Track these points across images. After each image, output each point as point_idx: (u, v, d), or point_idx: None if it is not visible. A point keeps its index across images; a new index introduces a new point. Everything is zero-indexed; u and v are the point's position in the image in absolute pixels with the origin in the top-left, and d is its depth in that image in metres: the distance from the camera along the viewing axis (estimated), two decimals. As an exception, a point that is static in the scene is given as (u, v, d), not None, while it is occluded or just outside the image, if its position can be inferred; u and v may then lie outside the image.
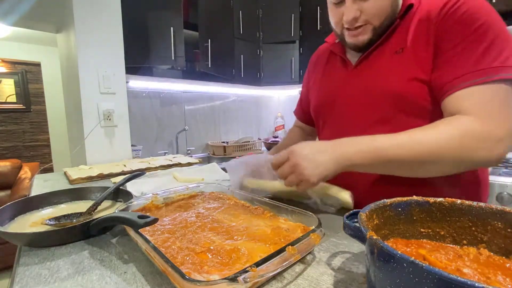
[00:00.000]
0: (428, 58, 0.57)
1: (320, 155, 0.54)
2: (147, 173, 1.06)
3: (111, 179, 1.06)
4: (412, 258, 0.24)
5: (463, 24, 0.52)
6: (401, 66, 0.60)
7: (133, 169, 1.16)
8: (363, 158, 0.53)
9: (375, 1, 0.59)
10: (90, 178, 1.04)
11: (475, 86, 0.50)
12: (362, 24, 0.62)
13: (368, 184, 0.68)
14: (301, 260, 0.43)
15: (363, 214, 0.34)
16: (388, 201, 0.38)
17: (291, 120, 1.48)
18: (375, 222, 0.36)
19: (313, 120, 0.88)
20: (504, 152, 0.49)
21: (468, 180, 0.63)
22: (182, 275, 0.31)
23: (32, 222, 0.58)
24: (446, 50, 0.54)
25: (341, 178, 0.68)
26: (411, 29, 0.60)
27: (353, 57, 0.72)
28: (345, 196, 0.60)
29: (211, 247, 0.41)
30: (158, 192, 0.64)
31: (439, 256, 0.35)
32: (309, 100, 0.88)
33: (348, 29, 0.64)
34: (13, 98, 3.83)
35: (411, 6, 0.62)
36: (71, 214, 0.60)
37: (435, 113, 0.59)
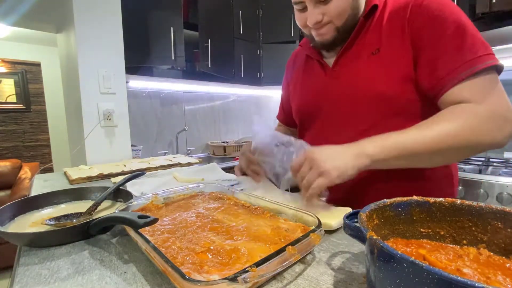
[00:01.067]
0: (407, 56, 0.58)
1: (338, 152, 0.54)
2: (147, 173, 1.06)
3: (111, 179, 1.06)
4: (412, 258, 0.24)
5: (437, 21, 0.55)
6: (381, 66, 0.62)
7: (133, 169, 1.16)
8: (382, 153, 0.53)
9: (335, 3, 0.61)
10: (90, 178, 1.04)
11: (468, 78, 0.52)
12: (325, 23, 0.64)
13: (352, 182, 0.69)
14: (301, 260, 0.43)
15: (363, 214, 0.34)
16: (388, 201, 0.38)
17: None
18: (375, 222, 0.36)
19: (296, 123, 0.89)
20: None
21: (441, 173, 0.66)
22: (182, 275, 0.31)
23: (32, 222, 0.58)
24: (427, 48, 0.56)
25: None
26: (383, 29, 0.62)
27: (329, 60, 0.73)
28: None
29: (211, 247, 0.41)
30: (158, 192, 0.64)
31: (439, 256, 0.35)
32: (291, 104, 0.88)
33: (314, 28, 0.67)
34: (13, 98, 3.84)
35: (375, 6, 0.64)
36: (71, 214, 0.60)
37: (424, 114, 0.59)
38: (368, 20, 0.65)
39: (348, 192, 0.67)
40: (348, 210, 0.59)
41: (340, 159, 0.52)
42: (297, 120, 0.85)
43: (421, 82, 0.58)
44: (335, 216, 0.56)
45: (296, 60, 0.87)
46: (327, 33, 0.66)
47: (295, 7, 0.68)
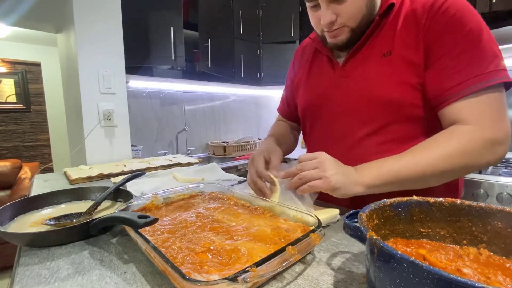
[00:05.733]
0: (419, 62, 0.57)
1: (346, 171, 0.55)
2: (147, 173, 1.06)
3: (111, 179, 1.06)
4: (412, 258, 0.24)
5: (454, 29, 0.53)
6: (391, 70, 0.60)
7: (133, 169, 1.16)
8: (377, 180, 0.54)
9: (350, 4, 0.58)
10: (90, 178, 1.04)
11: (472, 95, 0.52)
12: (339, 26, 0.62)
13: None
14: (301, 260, 0.43)
15: (363, 214, 0.34)
16: (388, 201, 0.38)
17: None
18: (375, 222, 0.36)
19: (299, 118, 0.86)
20: (505, 154, 0.53)
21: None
22: (182, 275, 0.31)
23: (32, 222, 0.58)
24: (440, 56, 0.55)
25: None
26: (397, 30, 0.60)
27: (339, 57, 0.70)
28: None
29: (211, 247, 0.41)
30: (158, 192, 0.64)
31: (439, 256, 0.35)
32: (295, 97, 0.85)
33: (327, 30, 0.64)
34: (13, 98, 3.83)
35: (392, 5, 0.61)
36: (71, 214, 0.60)
37: (427, 119, 0.60)
38: (384, 19, 0.62)
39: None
40: (336, 211, 0.60)
41: (345, 178, 0.53)
42: (301, 116, 0.83)
43: (427, 90, 0.57)
44: (324, 212, 0.58)
45: (305, 52, 0.83)
46: (341, 34, 0.63)
47: (307, 4, 0.64)
